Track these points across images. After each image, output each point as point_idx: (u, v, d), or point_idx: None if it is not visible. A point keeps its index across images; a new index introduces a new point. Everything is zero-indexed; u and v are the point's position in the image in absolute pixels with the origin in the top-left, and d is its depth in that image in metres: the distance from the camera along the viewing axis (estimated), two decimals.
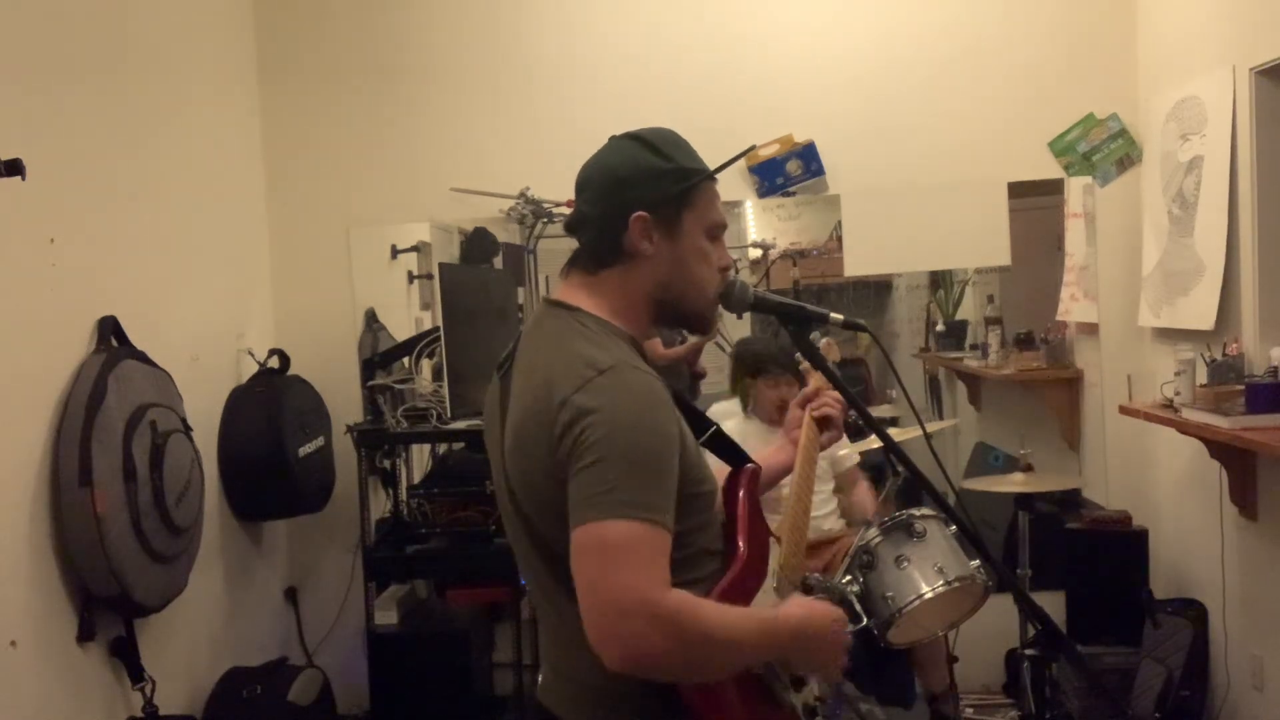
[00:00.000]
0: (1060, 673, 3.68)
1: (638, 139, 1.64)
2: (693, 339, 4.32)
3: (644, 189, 1.59)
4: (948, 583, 2.90)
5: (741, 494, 1.69)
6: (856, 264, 4.32)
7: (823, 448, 1.98)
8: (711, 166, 1.67)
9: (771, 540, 1.72)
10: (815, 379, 2.01)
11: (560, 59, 4.28)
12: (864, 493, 3.85)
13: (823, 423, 1.98)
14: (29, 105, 2.80)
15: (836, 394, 1.99)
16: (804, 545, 1.89)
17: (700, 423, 1.74)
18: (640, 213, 1.58)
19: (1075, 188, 4.24)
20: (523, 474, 1.55)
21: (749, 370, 3.78)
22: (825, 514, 3.84)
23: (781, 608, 1.62)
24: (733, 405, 3.92)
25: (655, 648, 1.39)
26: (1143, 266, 4.01)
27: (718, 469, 1.72)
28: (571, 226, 1.67)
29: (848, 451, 3.83)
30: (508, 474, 1.59)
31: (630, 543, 1.40)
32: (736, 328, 4.47)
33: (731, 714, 1.55)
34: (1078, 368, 4.37)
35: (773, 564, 1.70)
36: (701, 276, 1.65)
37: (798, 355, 2.04)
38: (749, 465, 1.75)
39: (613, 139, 1.67)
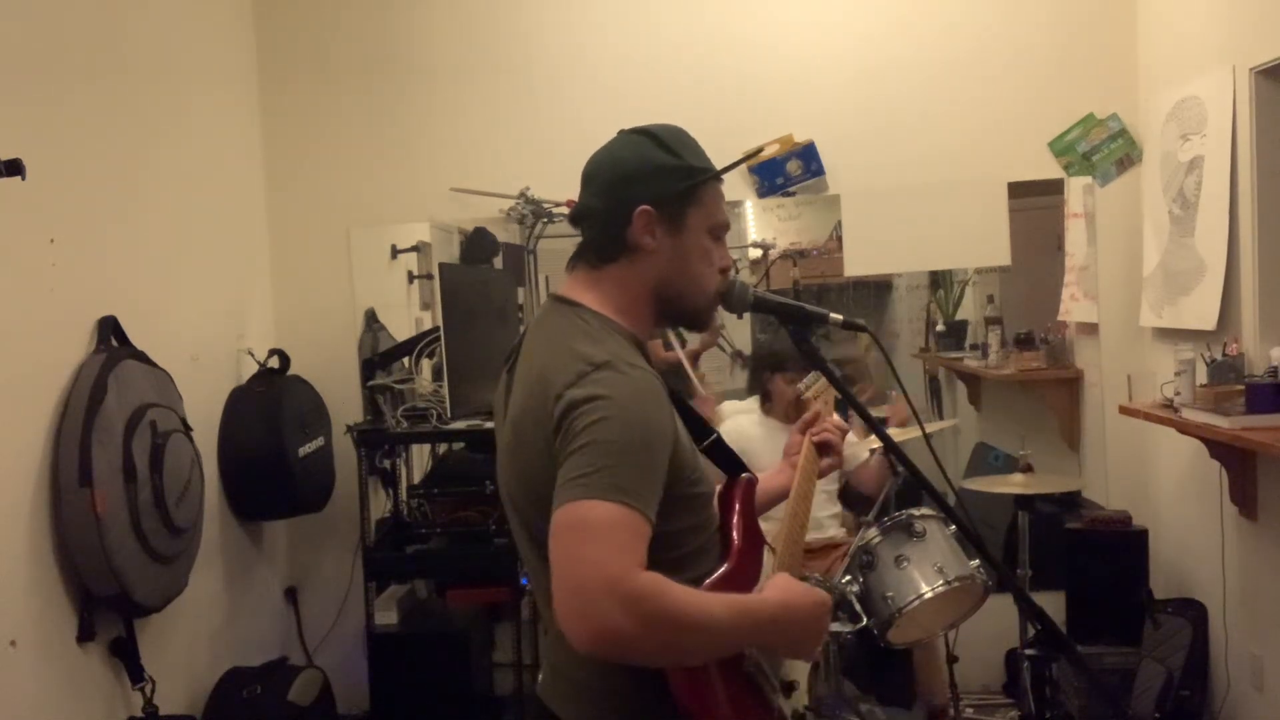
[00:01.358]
0: (1060, 673, 3.67)
1: (646, 134, 1.64)
2: (693, 342, 4.33)
3: (650, 184, 1.59)
4: (947, 582, 2.91)
5: (737, 504, 1.69)
6: (856, 264, 4.32)
7: (822, 474, 1.98)
8: (712, 166, 1.67)
9: (766, 550, 1.71)
10: (815, 405, 2.02)
11: (560, 59, 4.28)
12: (873, 466, 3.84)
13: (822, 448, 1.98)
14: (29, 106, 2.80)
15: (838, 420, 2.00)
16: (800, 558, 1.89)
17: (701, 429, 1.73)
18: (645, 206, 1.59)
19: (1075, 188, 4.24)
20: (521, 470, 1.55)
21: (769, 366, 3.84)
22: (829, 515, 3.84)
23: (764, 590, 1.60)
24: (749, 403, 3.93)
25: (621, 628, 1.36)
26: (1144, 266, 4.01)
27: (715, 478, 1.72)
28: (576, 219, 1.67)
29: (857, 450, 3.82)
30: (508, 470, 1.59)
31: (605, 523, 1.39)
32: (737, 328, 4.47)
33: (721, 715, 1.54)
34: (1078, 368, 4.37)
35: (766, 573, 1.70)
36: (702, 274, 1.65)
37: (801, 385, 2.05)
38: (745, 476, 1.74)
39: (621, 133, 1.68)
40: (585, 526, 1.39)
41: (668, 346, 4.27)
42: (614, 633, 1.36)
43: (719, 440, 1.76)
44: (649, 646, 1.41)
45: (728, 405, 4.03)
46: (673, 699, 1.50)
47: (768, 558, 1.71)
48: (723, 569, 1.60)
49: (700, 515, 1.61)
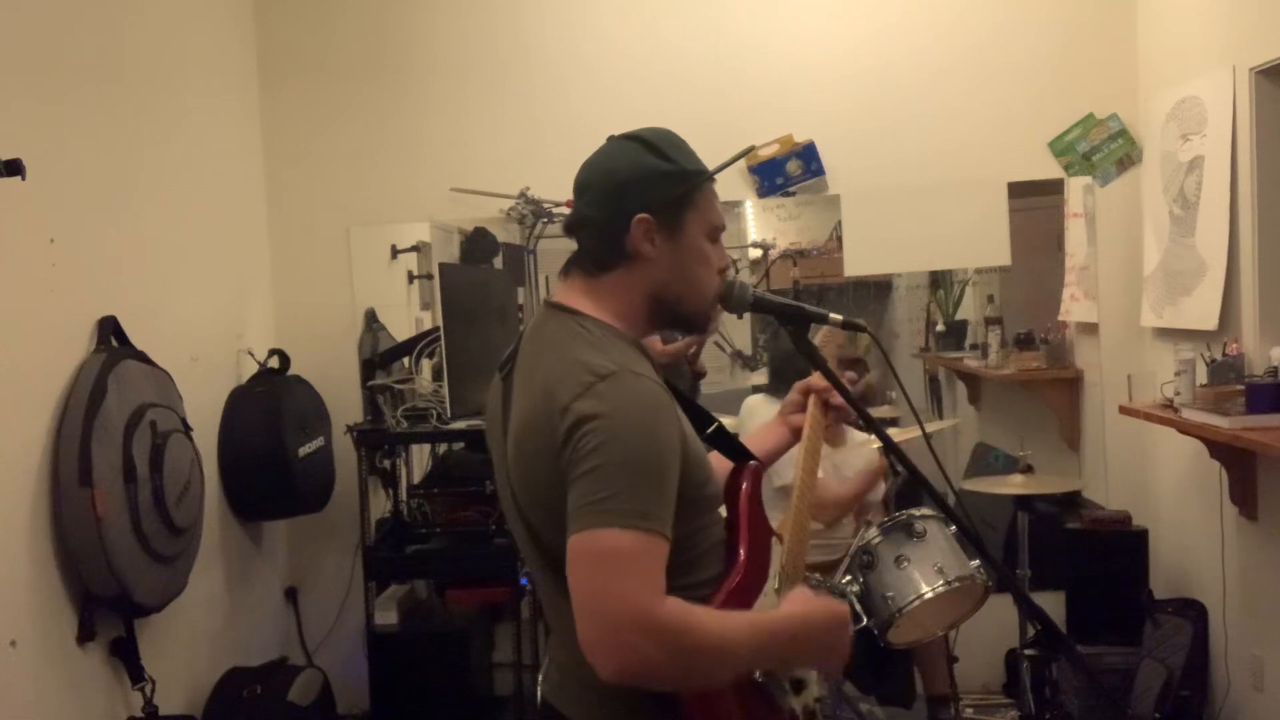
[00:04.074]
0: (1060, 673, 3.67)
1: (638, 140, 1.63)
2: (692, 336, 4.32)
3: (646, 191, 1.58)
4: (948, 583, 2.90)
5: (744, 491, 1.68)
6: (856, 264, 4.32)
7: (827, 426, 1.93)
8: (710, 166, 1.66)
9: (774, 539, 1.71)
10: (826, 353, 1.96)
11: (560, 59, 4.28)
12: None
13: (827, 407, 1.92)
14: (29, 105, 2.80)
15: (849, 378, 1.98)
16: (807, 544, 1.87)
17: (703, 419, 1.73)
18: (643, 215, 1.57)
19: (1075, 188, 4.24)
20: (525, 480, 1.54)
21: (788, 379, 3.77)
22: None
23: (782, 606, 1.60)
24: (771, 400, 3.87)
25: (650, 659, 1.38)
26: (1144, 267, 4.02)
27: (720, 465, 1.71)
28: (571, 228, 1.65)
29: (868, 456, 3.80)
30: (511, 479, 1.58)
31: (626, 552, 1.39)
32: (736, 328, 4.47)
33: (729, 718, 1.54)
34: (1078, 368, 4.37)
35: (775, 566, 1.70)
36: (702, 278, 1.64)
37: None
38: (751, 463, 1.74)
39: (611, 140, 1.66)
40: (608, 556, 1.39)
41: (666, 340, 4.26)
42: (643, 664, 1.38)
43: (721, 428, 1.75)
44: (676, 674, 1.43)
45: (752, 400, 3.94)
46: (680, 703, 1.50)
47: (776, 548, 1.71)
48: (735, 569, 1.59)
49: (710, 515, 1.61)
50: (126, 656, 3.01)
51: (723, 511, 1.68)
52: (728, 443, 1.77)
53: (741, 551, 1.62)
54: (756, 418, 3.77)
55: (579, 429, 1.43)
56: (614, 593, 1.38)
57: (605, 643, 1.39)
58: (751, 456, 1.76)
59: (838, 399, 1.90)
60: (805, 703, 1.67)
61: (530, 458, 1.51)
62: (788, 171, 4.21)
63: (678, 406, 1.56)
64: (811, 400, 1.92)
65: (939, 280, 4.63)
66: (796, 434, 1.93)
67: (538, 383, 1.52)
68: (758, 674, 1.60)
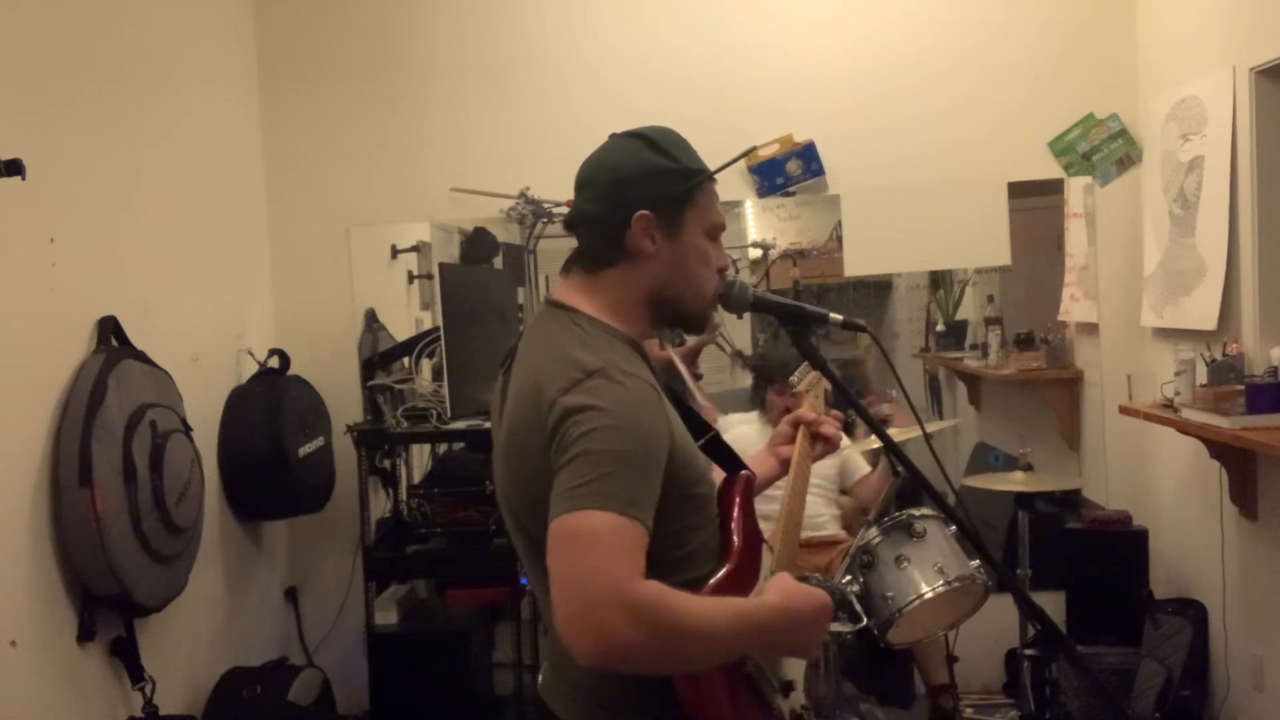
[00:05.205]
0: (1060, 673, 3.68)
1: (640, 137, 1.63)
2: (691, 341, 4.33)
3: (647, 188, 1.58)
4: (947, 583, 2.90)
5: (736, 500, 1.68)
6: (856, 264, 4.32)
7: (815, 459, 1.97)
8: (711, 166, 1.67)
9: (764, 549, 1.71)
10: (808, 399, 2.01)
11: (560, 59, 4.28)
12: (874, 479, 3.86)
13: (816, 436, 1.97)
14: (29, 105, 2.80)
15: (836, 416, 2.00)
16: (797, 556, 1.89)
17: (698, 427, 1.73)
18: (643, 211, 1.58)
19: (1075, 188, 4.24)
20: (516, 476, 1.55)
21: (764, 379, 3.96)
22: (830, 515, 3.84)
23: (765, 594, 1.59)
24: (751, 415, 4.02)
25: (626, 640, 1.35)
26: (1144, 267, 4.02)
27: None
28: (571, 224, 1.66)
29: (856, 461, 3.84)
30: (503, 474, 1.59)
31: (604, 533, 1.37)
32: (736, 328, 4.47)
33: (723, 717, 1.53)
34: (1078, 368, 4.37)
35: (765, 572, 1.70)
36: (701, 276, 1.64)
37: (793, 379, 2.04)
38: (744, 473, 1.74)
39: (614, 137, 1.66)
40: (584, 537, 1.38)
41: (663, 345, 4.27)
42: (619, 644, 1.35)
43: (716, 437, 1.75)
44: (653, 657, 1.40)
45: (733, 417, 4.05)
46: (674, 700, 1.50)
47: (766, 556, 1.71)
48: (723, 570, 1.59)
49: (701, 514, 1.60)
50: (126, 656, 3.01)
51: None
52: (722, 452, 1.77)
53: (733, 551, 1.63)
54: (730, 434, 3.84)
55: (565, 422, 1.43)
56: (588, 571, 1.36)
57: (579, 622, 1.36)
58: (744, 466, 1.76)
59: (826, 430, 1.95)
60: (793, 706, 1.67)
61: (520, 453, 1.52)
62: (788, 171, 4.21)
63: (669, 406, 1.56)
64: (801, 432, 1.95)
65: (939, 280, 4.63)
66: (785, 465, 1.96)
67: (528, 379, 1.53)
68: (749, 666, 1.60)
